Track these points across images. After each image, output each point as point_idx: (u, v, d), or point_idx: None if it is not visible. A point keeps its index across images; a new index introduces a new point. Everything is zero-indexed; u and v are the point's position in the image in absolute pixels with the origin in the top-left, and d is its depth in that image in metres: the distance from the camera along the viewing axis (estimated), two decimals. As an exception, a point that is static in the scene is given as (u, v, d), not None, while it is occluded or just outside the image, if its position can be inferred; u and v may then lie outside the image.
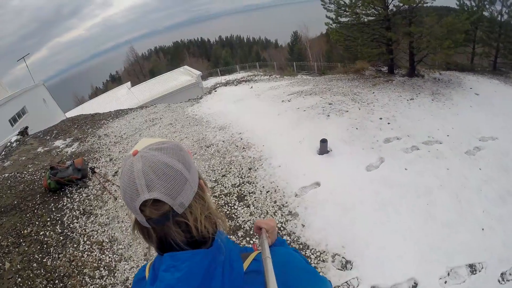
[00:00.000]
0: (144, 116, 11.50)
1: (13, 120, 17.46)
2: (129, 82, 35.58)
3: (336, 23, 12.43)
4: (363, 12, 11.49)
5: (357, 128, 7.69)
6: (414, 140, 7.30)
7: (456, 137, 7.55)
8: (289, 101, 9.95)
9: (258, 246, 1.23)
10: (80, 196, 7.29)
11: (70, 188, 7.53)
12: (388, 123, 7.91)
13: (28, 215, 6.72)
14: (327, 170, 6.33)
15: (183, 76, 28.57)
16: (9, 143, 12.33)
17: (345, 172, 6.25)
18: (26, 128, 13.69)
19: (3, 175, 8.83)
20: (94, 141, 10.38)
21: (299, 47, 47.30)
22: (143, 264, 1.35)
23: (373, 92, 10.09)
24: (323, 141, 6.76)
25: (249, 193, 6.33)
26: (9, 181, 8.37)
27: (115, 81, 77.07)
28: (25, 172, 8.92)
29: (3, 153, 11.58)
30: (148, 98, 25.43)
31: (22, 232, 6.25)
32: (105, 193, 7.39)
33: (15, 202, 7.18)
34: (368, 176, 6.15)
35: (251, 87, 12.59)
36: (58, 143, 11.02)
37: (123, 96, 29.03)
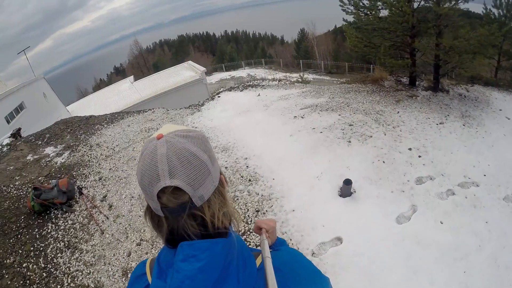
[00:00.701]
0: (140, 123, 10.43)
1: (10, 117, 16.40)
2: (132, 76, 34.62)
3: (355, 27, 11.14)
4: (386, 16, 10.19)
5: (384, 162, 6.54)
6: (449, 181, 6.15)
7: (493, 177, 6.40)
8: (302, 117, 8.73)
9: (258, 246, 1.29)
10: (66, 223, 6.59)
11: (55, 211, 6.86)
12: (419, 156, 6.76)
13: (11, 240, 6.12)
14: (350, 220, 5.21)
15: (187, 71, 27.57)
16: (0, 147, 11.32)
17: (372, 224, 5.13)
18: (19, 129, 12.84)
19: None
20: (85, 151, 9.58)
21: (306, 44, 45.92)
22: (142, 260, 1.25)
23: (398, 112, 8.91)
24: (347, 183, 5.60)
25: (256, 247, 5.25)
26: None
27: (119, 73, 76.42)
28: (11, 186, 8.28)
29: None
30: (151, 94, 24.78)
31: (5, 261, 5.67)
32: (91, 222, 6.64)
33: None
34: (399, 231, 5.03)
35: (258, 95, 11.41)
36: (49, 150, 10.14)
37: (125, 91, 28.37)
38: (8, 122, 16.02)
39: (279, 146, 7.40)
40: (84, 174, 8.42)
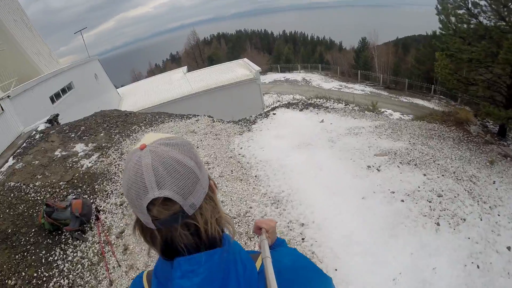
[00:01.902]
0: (180, 133, 9.07)
1: (56, 97, 15.62)
2: (186, 67, 34.22)
3: (448, 54, 8.98)
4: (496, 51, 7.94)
5: (478, 266, 4.65)
6: None
7: None
8: (378, 169, 6.79)
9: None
10: (74, 254, 5.79)
11: (66, 234, 6.10)
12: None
13: (17, 256, 5.63)
14: None
15: (241, 69, 26.13)
16: (34, 132, 10.68)
17: None
18: (57, 116, 11.98)
19: (9, 184, 7.64)
20: (114, 159, 8.48)
21: (366, 54, 43.26)
22: (138, 274, 1.18)
23: (494, 181, 6.78)
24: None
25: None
26: (12, 194, 7.23)
27: (174, 61, 77.30)
28: (31, 186, 7.55)
29: (24, 144, 10.06)
30: (202, 88, 23.98)
31: (7, 282, 5.26)
32: (101, 264, 5.59)
33: (9, 231, 6.10)
34: None
35: (322, 121, 9.42)
36: (79, 147, 9.07)
37: (177, 81, 27.76)
38: (52, 101, 15.31)
39: (346, 215, 5.52)
40: (106, 191, 7.17)
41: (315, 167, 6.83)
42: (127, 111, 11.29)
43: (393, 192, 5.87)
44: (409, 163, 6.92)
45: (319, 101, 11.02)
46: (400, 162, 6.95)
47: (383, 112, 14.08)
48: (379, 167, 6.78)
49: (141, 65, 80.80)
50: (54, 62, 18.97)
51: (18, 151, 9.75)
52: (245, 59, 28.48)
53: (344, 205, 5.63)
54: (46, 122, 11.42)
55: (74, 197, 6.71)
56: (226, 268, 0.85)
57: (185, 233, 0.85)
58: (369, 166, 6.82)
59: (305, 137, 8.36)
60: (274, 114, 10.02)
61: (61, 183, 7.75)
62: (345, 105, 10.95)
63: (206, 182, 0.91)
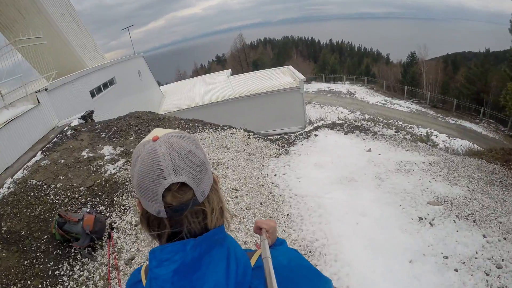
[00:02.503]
0: (212, 146, 8.22)
1: (97, 91, 15.48)
2: (230, 70, 33.99)
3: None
4: None
5: None
6: None
7: None
8: (431, 223, 5.50)
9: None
10: (81, 273, 5.33)
11: (76, 249, 5.68)
12: None
13: (26, 262, 5.38)
14: None
15: (285, 76, 25.25)
16: (66, 127, 10.47)
17: None
18: (92, 112, 11.70)
19: (32, 182, 7.39)
20: None
21: (414, 70, 41.14)
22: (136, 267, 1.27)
23: None
24: None
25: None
26: (32, 193, 7.00)
27: (220, 63, 77.30)
28: (52, 187, 7.22)
29: (55, 139, 9.78)
30: (244, 92, 23.55)
31: None
32: None
33: (23, 233, 5.90)
34: None
35: (369, 150, 8.20)
36: (107, 150, 8.61)
37: (220, 83, 27.53)
38: (92, 96, 15.16)
39: (388, 283, 4.35)
40: (124, 206, 6.55)
41: (357, 212, 5.71)
42: (161, 115, 10.72)
43: (447, 258, 4.67)
44: (467, 218, 5.65)
45: (367, 124, 9.72)
46: (457, 216, 5.68)
47: (438, 144, 12.47)
48: (433, 220, 5.55)
49: (186, 65, 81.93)
50: (99, 56, 18.91)
51: (47, 145, 9.46)
52: (290, 67, 27.53)
53: (387, 269, 4.47)
54: (80, 118, 11.13)
55: (88, 210, 6.12)
56: (213, 260, 0.84)
57: (194, 220, 0.86)
58: (421, 218, 5.60)
59: (349, 169, 7.24)
60: (316, 135, 8.94)
61: (81, 188, 7.26)
62: (395, 132, 9.55)
63: (211, 173, 0.93)
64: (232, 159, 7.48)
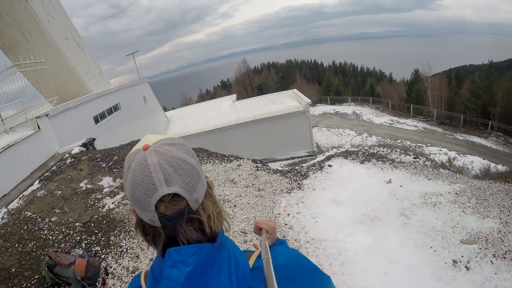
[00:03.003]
0: (218, 181, 7.64)
1: (101, 117, 15.09)
2: (235, 95, 33.79)
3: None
4: None
5: None
6: None
7: None
8: (467, 267, 4.81)
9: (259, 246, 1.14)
10: None
11: None
12: None
13: None
14: None
15: (290, 100, 24.94)
16: (67, 155, 9.97)
17: None
18: (93, 140, 11.27)
19: (26, 214, 6.99)
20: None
21: (419, 87, 40.46)
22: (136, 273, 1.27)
23: None
24: None
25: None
26: (25, 227, 6.59)
27: (225, 87, 77.24)
28: (46, 220, 6.76)
29: (53, 168, 9.29)
30: (249, 118, 23.26)
31: None
32: None
33: (13, 270, 5.46)
34: None
35: (389, 181, 7.43)
36: (106, 181, 7.98)
37: (225, 109, 27.28)
38: (96, 122, 14.69)
39: None
40: (121, 247, 5.91)
41: (384, 259, 4.96)
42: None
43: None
44: (504, 257, 4.92)
45: (383, 151, 8.96)
46: (493, 255, 4.96)
47: (461, 168, 11.53)
48: (468, 262, 4.83)
49: (192, 90, 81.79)
50: (104, 82, 18.62)
51: (46, 174, 9.02)
52: (295, 90, 27.32)
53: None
54: (81, 146, 10.62)
55: (81, 253, 5.42)
56: (217, 261, 0.83)
57: (189, 228, 0.85)
58: (455, 262, 4.86)
59: (370, 205, 6.49)
60: (330, 166, 8.20)
61: (77, 224, 6.68)
62: (414, 158, 8.75)
63: (205, 179, 0.91)
64: (240, 196, 6.80)
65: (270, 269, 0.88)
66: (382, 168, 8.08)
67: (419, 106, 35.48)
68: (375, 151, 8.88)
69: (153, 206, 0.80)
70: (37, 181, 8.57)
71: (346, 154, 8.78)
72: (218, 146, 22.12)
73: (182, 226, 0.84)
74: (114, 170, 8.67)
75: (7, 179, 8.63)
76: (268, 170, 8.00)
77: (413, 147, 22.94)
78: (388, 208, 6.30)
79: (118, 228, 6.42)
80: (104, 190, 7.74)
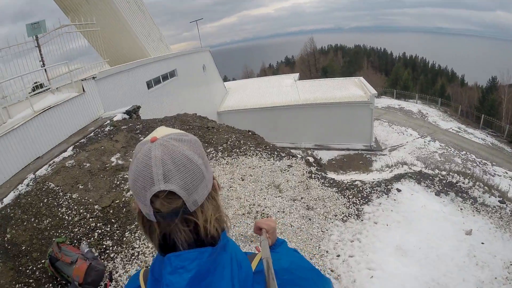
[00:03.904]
0: (260, 182, 6.33)
1: (155, 82, 14.40)
2: (298, 74, 31.84)
3: None
4: None
5: None
6: None
7: None
8: None
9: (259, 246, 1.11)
10: None
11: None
12: None
13: (17, 286, 4.59)
14: None
15: (355, 88, 22.84)
16: (108, 121, 9.31)
17: None
18: (138, 108, 10.63)
19: (49, 185, 6.40)
20: None
21: (494, 98, 36.31)
22: (134, 272, 1.19)
23: None
24: None
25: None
26: (46, 200, 6.02)
27: (288, 64, 74.59)
28: (68, 195, 6.12)
29: (91, 134, 8.68)
30: (310, 100, 21.85)
31: None
32: None
33: (23, 248, 5.09)
34: None
35: (469, 232, 5.50)
36: None
37: (286, 87, 25.87)
38: (149, 87, 13.95)
39: None
40: (133, 249, 5.01)
41: None
42: (210, 124, 8.98)
43: None
44: None
45: (463, 183, 6.87)
46: None
47: None
48: None
49: (255, 63, 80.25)
50: (163, 47, 17.81)
51: (81, 140, 8.40)
52: (361, 78, 24.94)
53: None
54: (124, 113, 9.85)
55: (85, 251, 4.54)
56: (219, 265, 0.80)
57: (184, 229, 0.81)
58: None
59: (443, 266, 4.72)
60: (398, 190, 6.42)
61: (96, 206, 5.90)
62: (499, 201, 6.51)
63: (211, 181, 0.87)
64: (283, 212, 5.44)
65: (270, 270, 0.85)
66: (461, 209, 6.18)
67: (490, 118, 31.60)
68: (454, 181, 6.90)
69: (149, 200, 0.77)
70: (71, 147, 7.96)
71: (420, 178, 6.90)
72: (272, 125, 21.59)
73: (177, 226, 0.80)
74: (150, 146, 7.77)
75: (44, 141, 8.20)
76: (323, 180, 6.44)
77: (478, 162, 20.61)
78: (463, 277, 4.57)
79: (136, 223, 5.47)
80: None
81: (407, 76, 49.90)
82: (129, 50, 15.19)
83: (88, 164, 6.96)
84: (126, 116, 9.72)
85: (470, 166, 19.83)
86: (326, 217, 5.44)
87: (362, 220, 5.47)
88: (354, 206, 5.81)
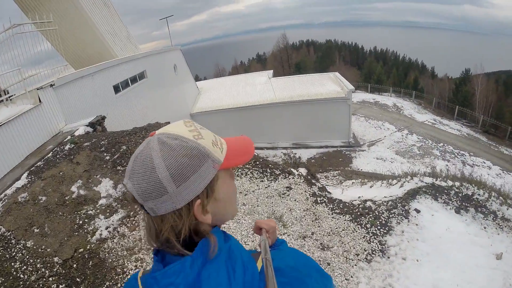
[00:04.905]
0: (257, 213, 5.18)
1: (123, 86, 12.97)
2: (271, 71, 30.81)
3: None
4: None
5: None
6: None
7: None
8: None
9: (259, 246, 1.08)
10: None
11: None
12: None
13: None
14: None
15: (331, 84, 22.29)
16: (68, 137, 7.80)
17: None
18: (103, 119, 9.18)
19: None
20: (141, 237, 5.07)
21: (467, 89, 36.60)
22: (133, 273, 1.09)
23: None
24: None
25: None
26: None
27: (260, 61, 73.33)
28: (22, 243, 4.80)
29: (50, 154, 7.21)
30: (286, 98, 21.00)
31: None
32: None
33: None
34: None
35: (500, 257, 4.72)
36: (104, 186, 6.10)
37: (261, 85, 24.93)
38: (116, 91, 12.41)
39: None
40: None
41: None
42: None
43: None
44: None
45: (479, 195, 5.94)
46: None
47: None
48: None
49: (226, 60, 78.77)
50: (131, 46, 16.22)
51: (38, 164, 6.93)
52: (337, 74, 24.38)
53: None
54: (87, 125, 8.46)
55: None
56: (212, 274, 0.72)
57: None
58: None
59: None
60: (417, 211, 5.51)
61: (55, 258, 4.67)
62: None
63: (185, 199, 0.77)
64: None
65: (270, 270, 0.81)
66: (484, 227, 5.41)
67: (464, 109, 31.83)
68: (470, 193, 5.96)
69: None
70: (25, 174, 6.60)
71: (435, 193, 5.99)
72: (248, 126, 20.74)
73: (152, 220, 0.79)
74: (119, 168, 6.42)
75: (-6, 166, 6.77)
76: (331, 204, 5.38)
77: (456, 153, 20.94)
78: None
79: (108, 282, 4.22)
80: (100, 201, 5.55)
81: (380, 70, 49.98)
82: (94, 51, 13.61)
83: (44, 198, 5.61)
84: (90, 129, 8.31)
85: (448, 157, 20.17)
86: (347, 258, 4.40)
87: (388, 258, 4.50)
88: (375, 238, 4.82)
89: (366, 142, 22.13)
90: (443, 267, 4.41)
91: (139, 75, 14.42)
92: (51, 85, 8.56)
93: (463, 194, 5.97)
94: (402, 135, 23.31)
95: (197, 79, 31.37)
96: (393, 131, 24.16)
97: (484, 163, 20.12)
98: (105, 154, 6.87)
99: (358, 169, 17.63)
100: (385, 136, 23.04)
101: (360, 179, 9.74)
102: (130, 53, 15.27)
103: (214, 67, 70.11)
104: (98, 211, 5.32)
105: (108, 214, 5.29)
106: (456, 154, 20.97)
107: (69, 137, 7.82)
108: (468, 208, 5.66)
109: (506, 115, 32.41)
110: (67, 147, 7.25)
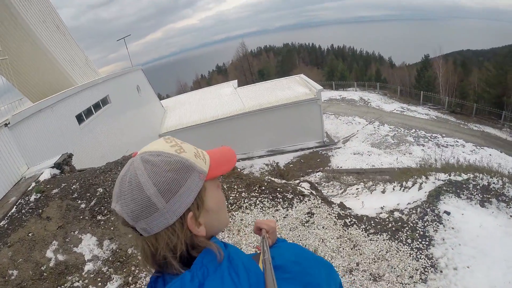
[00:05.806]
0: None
1: (86, 115, 11.73)
2: (236, 81, 30.01)
3: None
4: None
5: None
6: None
7: None
8: None
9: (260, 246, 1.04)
10: None
11: None
12: None
13: None
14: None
15: (299, 86, 21.88)
16: (33, 185, 6.52)
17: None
18: (70, 156, 7.93)
19: None
20: None
21: (429, 74, 37.25)
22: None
23: None
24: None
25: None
26: None
27: (220, 72, 72.62)
28: None
29: (13, 210, 5.89)
30: (255, 106, 20.28)
31: None
32: None
33: None
34: None
35: None
36: (86, 245, 5.30)
37: (227, 96, 24.03)
38: (80, 121, 11.13)
39: None
40: None
41: None
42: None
43: None
44: None
45: (495, 183, 5.51)
46: None
47: None
48: None
49: (187, 75, 77.20)
50: (91, 72, 14.86)
51: (1, 224, 5.72)
52: (302, 76, 24.21)
53: None
54: (52, 167, 7.28)
55: None
56: (207, 283, 0.68)
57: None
58: None
59: None
60: (448, 213, 4.97)
61: None
62: None
63: (177, 213, 0.74)
64: None
65: (269, 270, 0.79)
66: (510, 216, 5.13)
67: (429, 93, 32.52)
68: (485, 183, 5.52)
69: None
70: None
71: (456, 189, 5.52)
72: (220, 140, 19.20)
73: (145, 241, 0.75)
74: (99, 217, 5.31)
75: None
76: (363, 225, 4.63)
77: (429, 137, 20.96)
78: None
79: None
80: (86, 267, 4.43)
81: (342, 67, 50.13)
82: (52, 81, 12.29)
83: (15, 272, 4.42)
84: (56, 171, 7.10)
85: (423, 142, 20.31)
86: (402, 283, 3.81)
87: (441, 272, 4.04)
88: (421, 253, 4.31)
89: (341, 139, 21.79)
90: (492, 267, 4.15)
91: (102, 100, 13.16)
92: (6, 125, 7.36)
93: (481, 185, 5.66)
94: (374, 127, 23.21)
95: (160, 97, 29.99)
96: (365, 124, 24.08)
97: (457, 142, 20.39)
98: (79, 201, 5.72)
99: (338, 167, 17.29)
100: (358, 131, 22.83)
101: (362, 183, 9.08)
102: (90, 78, 14.03)
103: (175, 84, 68.30)
104: (87, 281, 4.22)
105: (100, 284, 4.17)
106: (429, 137, 21.06)
107: (33, 184, 6.61)
108: (490, 199, 5.39)
109: (469, 93, 33.09)
110: (32, 197, 6.05)
